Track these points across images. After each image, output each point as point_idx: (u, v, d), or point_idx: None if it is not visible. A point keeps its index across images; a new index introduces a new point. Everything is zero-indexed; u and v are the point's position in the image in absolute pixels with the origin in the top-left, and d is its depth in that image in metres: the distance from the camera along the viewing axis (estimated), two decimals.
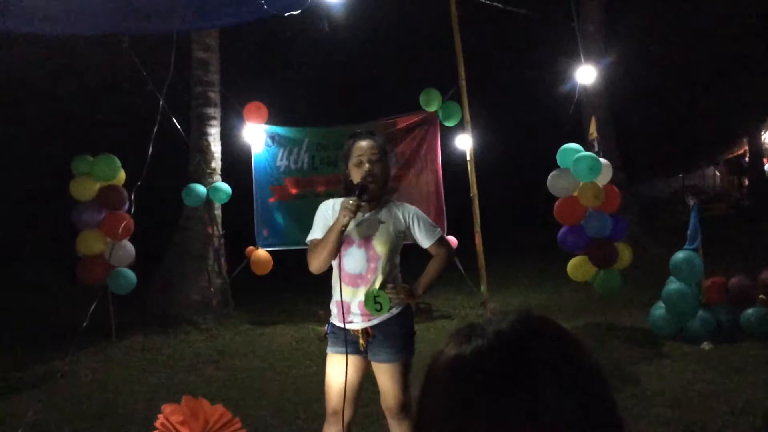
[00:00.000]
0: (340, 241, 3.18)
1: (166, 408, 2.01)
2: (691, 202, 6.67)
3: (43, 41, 8.40)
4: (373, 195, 3.26)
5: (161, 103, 5.50)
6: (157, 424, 2.00)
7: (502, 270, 10.53)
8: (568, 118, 8.47)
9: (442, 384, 0.87)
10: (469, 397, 0.83)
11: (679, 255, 6.39)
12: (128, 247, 7.38)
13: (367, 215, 3.29)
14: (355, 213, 3.11)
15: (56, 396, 5.75)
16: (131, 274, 7.37)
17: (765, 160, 24.85)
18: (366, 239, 3.25)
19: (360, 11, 9.09)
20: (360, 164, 3.25)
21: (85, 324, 5.48)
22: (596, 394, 0.86)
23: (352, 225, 3.21)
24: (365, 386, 3.42)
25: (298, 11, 4.77)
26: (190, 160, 9.00)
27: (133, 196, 6.17)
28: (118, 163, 7.28)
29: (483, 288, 8.23)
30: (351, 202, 3.11)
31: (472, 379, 0.85)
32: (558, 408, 0.81)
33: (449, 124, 8.34)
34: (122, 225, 7.10)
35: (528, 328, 0.89)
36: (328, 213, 3.32)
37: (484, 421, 0.81)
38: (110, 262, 7.20)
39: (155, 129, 5.37)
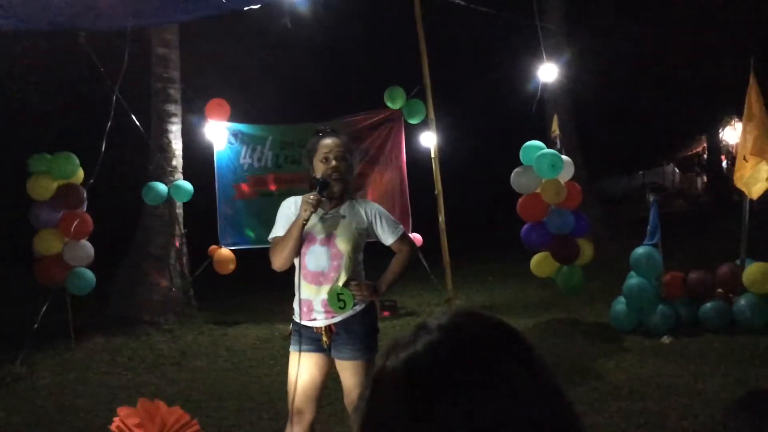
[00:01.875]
0: (301, 236, 3.17)
1: (122, 411, 1.96)
2: (651, 198, 6.79)
3: None
4: (336, 192, 3.25)
5: (114, 98, 5.38)
6: (113, 427, 1.95)
7: (468, 267, 10.58)
8: (531, 115, 8.54)
9: (396, 391, 0.84)
10: (430, 394, 0.81)
11: (639, 250, 6.49)
12: (87, 246, 7.22)
13: (329, 213, 3.28)
14: (315, 208, 3.11)
15: (12, 399, 5.60)
16: (90, 274, 7.22)
17: (722, 157, 25.43)
18: (329, 237, 3.23)
19: (323, 8, 9.04)
20: (326, 160, 3.25)
21: (36, 325, 5.35)
22: (547, 371, 0.88)
23: (314, 221, 3.21)
24: (329, 384, 3.40)
25: (258, 6, 4.72)
26: (150, 158, 8.85)
27: (85, 194, 6.04)
28: (77, 162, 7.12)
29: (448, 285, 8.26)
30: (312, 197, 3.10)
31: (432, 374, 0.83)
32: (519, 382, 0.83)
33: (414, 121, 8.34)
34: (80, 224, 6.95)
35: (468, 319, 0.90)
36: (290, 210, 3.29)
37: (453, 413, 0.79)
38: (68, 261, 7.05)
39: (108, 124, 5.26)
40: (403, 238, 3.41)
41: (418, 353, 0.85)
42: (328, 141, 3.28)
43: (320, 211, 3.25)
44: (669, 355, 5.76)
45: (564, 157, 6.89)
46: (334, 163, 3.24)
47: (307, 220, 3.14)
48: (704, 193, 24.37)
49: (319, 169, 3.26)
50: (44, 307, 6.64)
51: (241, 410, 5.08)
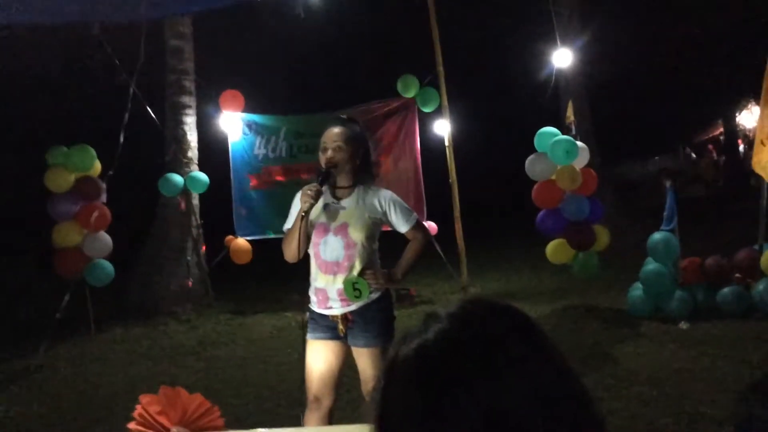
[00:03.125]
0: (305, 228, 3.19)
1: (144, 398, 2.00)
2: (667, 183, 6.74)
3: (11, 31, 8.24)
4: (339, 180, 3.27)
5: (131, 91, 5.41)
6: (135, 414, 1.98)
7: (482, 255, 10.57)
8: (545, 101, 8.50)
9: (409, 379, 0.86)
10: (443, 381, 0.82)
11: (656, 236, 6.46)
12: (105, 238, 7.29)
13: (339, 202, 3.29)
14: (315, 198, 3.13)
15: (34, 389, 5.69)
16: (109, 266, 7.30)
17: (739, 141, 25.13)
18: (342, 227, 3.25)
19: None
20: (324, 151, 3.27)
21: (58, 316, 5.42)
22: (559, 354, 0.89)
23: (319, 210, 3.23)
24: (347, 372, 3.42)
25: None
26: (166, 149, 8.90)
27: (105, 185, 6.09)
28: (94, 154, 7.19)
29: (463, 273, 8.28)
30: (311, 188, 3.13)
31: (443, 361, 0.84)
32: (531, 366, 0.84)
33: (427, 110, 8.33)
34: (98, 216, 7.02)
35: (477, 306, 0.92)
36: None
37: (467, 399, 0.81)
38: (87, 253, 7.13)
39: (125, 117, 5.30)
40: (417, 226, 3.42)
41: (429, 342, 0.86)
42: (330, 131, 3.30)
43: (327, 200, 3.27)
44: (686, 340, 5.74)
45: (579, 143, 6.86)
46: (329, 153, 3.25)
47: (307, 212, 3.16)
48: (721, 178, 24.10)
49: (321, 160, 3.28)
50: (65, 299, 6.72)
51: (259, 398, 5.14)
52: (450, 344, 0.85)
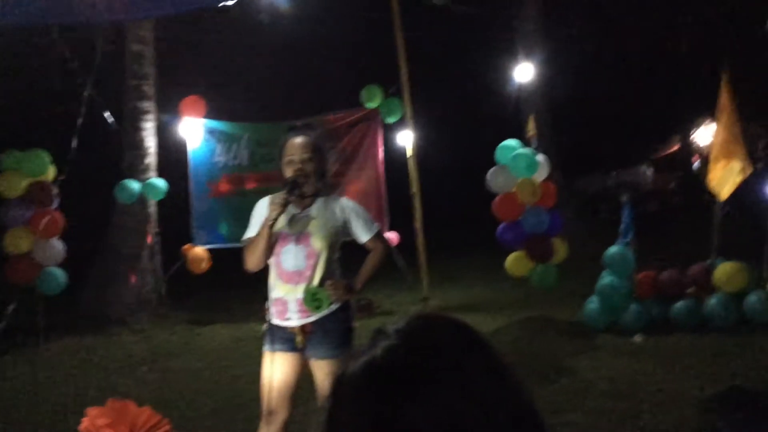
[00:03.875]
0: (270, 237, 3.16)
1: (92, 411, 1.93)
2: (624, 198, 6.86)
3: None
4: (306, 192, 3.24)
5: (87, 95, 5.30)
6: (81, 428, 1.91)
7: (443, 266, 10.59)
8: (507, 115, 8.59)
9: (358, 397, 0.84)
10: (392, 397, 0.81)
11: (612, 249, 6.56)
12: (58, 245, 7.12)
13: (304, 211, 3.26)
14: (283, 208, 3.11)
15: None
16: (61, 274, 7.12)
17: (694, 158, 25.75)
18: (303, 236, 3.22)
19: (300, 5, 8.99)
20: (290, 163, 3.24)
21: (4, 325, 5.26)
22: (507, 368, 0.90)
23: (284, 220, 3.20)
24: (303, 384, 3.38)
25: (233, 2, 4.67)
26: (123, 155, 8.73)
27: (57, 192, 5.94)
28: (48, 159, 7.02)
29: (424, 284, 8.27)
30: (279, 197, 3.10)
31: (391, 377, 0.83)
32: (479, 381, 0.84)
33: (391, 120, 8.34)
34: (50, 222, 6.85)
35: (425, 321, 0.91)
36: (264, 211, 3.27)
37: (416, 415, 0.79)
38: (38, 260, 6.94)
39: (79, 121, 5.18)
40: (378, 237, 3.41)
41: (377, 358, 0.85)
42: (293, 142, 3.27)
43: (292, 210, 3.24)
44: (641, 353, 5.82)
45: (539, 156, 6.94)
46: (299, 165, 3.22)
47: (274, 221, 3.13)
48: (677, 193, 24.67)
49: (287, 171, 3.25)
50: (12, 307, 6.53)
51: (214, 411, 5.04)
52: (398, 360, 0.84)
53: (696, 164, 25.27)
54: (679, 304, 6.52)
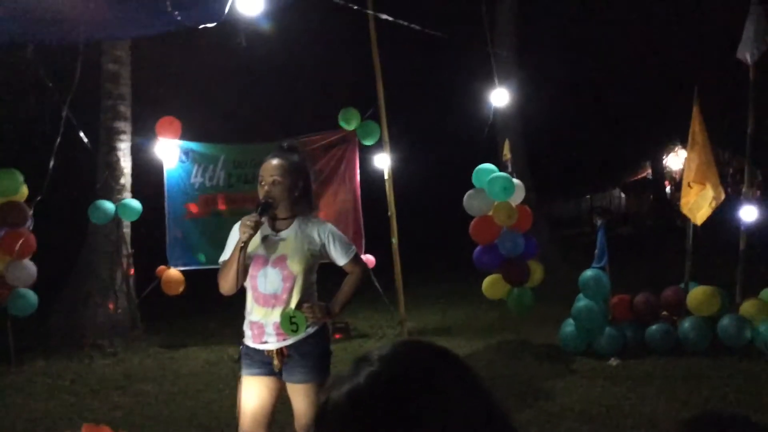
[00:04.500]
0: (243, 260, 3.13)
1: None
2: (599, 222, 6.94)
3: None
4: (280, 213, 3.23)
5: (64, 114, 5.25)
6: None
7: (420, 288, 10.61)
8: (483, 139, 8.67)
9: (343, 424, 0.84)
10: (376, 425, 0.81)
11: (587, 273, 6.61)
12: (29, 266, 6.99)
13: (279, 234, 3.25)
14: (254, 230, 3.09)
15: None
16: (32, 295, 6.99)
17: (666, 183, 26.20)
18: (280, 258, 3.20)
19: (278, 28, 9.03)
20: (261, 185, 3.23)
21: None
22: (488, 393, 0.91)
23: (257, 242, 3.19)
24: (279, 408, 3.34)
25: (213, 24, 4.68)
26: (98, 175, 8.64)
27: (30, 212, 5.86)
28: (20, 178, 6.91)
29: (401, 307, 8.26)
30: (249, 219, 3.09)
31: (375, 404, 0.83)
32: (461, 406, 0.85)
33: (368, 143, 8.37)
34: (22, 243, 6.73)
35: (408, 348, 0.93)
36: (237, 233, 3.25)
37: None
38: (9, 281, 6.81)
39: (57, 141, 5.12)
40: (356, 260, 3.40)
41: (361, 385, 0.85)
42: (266, 164, 3.27)
43: (265, 232, 3.23)
44: (616, 377, 5.86)
45: (515, 180, 7.00)
46: (266, 187, 3.22)
47: (245, 243, 3.12)
48: (649, 218, 25.04)
49: (260, 192, 3.25)
50: None
51: None
52: (382, 388, 0.84)
53: (668, 189, 25.71)
54: (654, 328, 6.58)
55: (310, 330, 3.23)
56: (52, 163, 5.18)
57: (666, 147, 24.26)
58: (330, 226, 3.39)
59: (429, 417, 0.81)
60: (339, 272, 3.45)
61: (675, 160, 24.87)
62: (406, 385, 0.84)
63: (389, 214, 8.08)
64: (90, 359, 7.49)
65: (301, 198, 3.31)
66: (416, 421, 0.81)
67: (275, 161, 3.26)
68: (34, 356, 7.41)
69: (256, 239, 3.19)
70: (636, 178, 29.54)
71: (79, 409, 5.78)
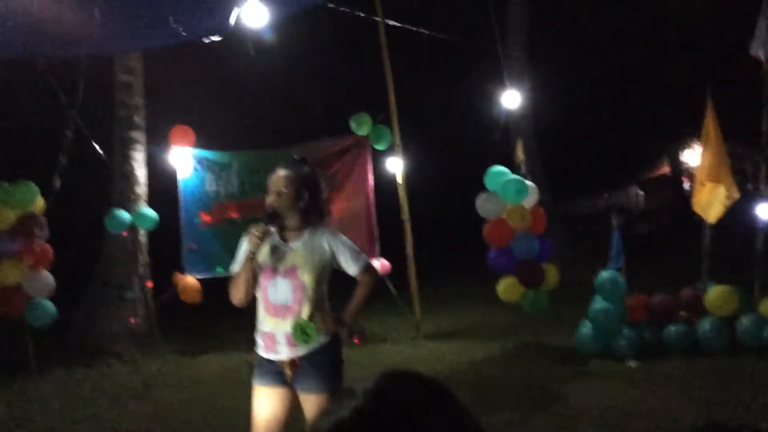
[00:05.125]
0: (251, 270, 3.15)
1: None
2: (615, 221, 6.88)
3: None
4: (288, 224, 3.24)
5: (74, 126, 5.30)
6: None
7: (435, 292, 10.58)
8: (495, 141, 8.63)
9: None
10: None
11: (604, 274, 6.57)
12: (47, 276, 7.06)
13: (288, 244, 3.26)
14: (261, 239, 3.11)
15: None
16: (50, 305, 7.05)
17: (684, 178, 25.93)
18: (291, 269, 3.21)
19: (288, 36, 9.06)
20: (270, 195, 3.26)
21: None
22: (476, 426, 0.90)
23: (266, 252, 3.20)
24: (297, 417, 3.35)
25: (219, 38, 4.70)
26: (113, 185, 8.72)
27: (46, 223, 5.91)
28: (36, 190, 6.99)
29: (416, 311, 8.26)
30: (256, 230, 3.10)
31: None
32: None
33: (380, 147, 8.37)
34: (40, 254, 6.80)
35: (393, 380, 0.91)
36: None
37: None
38: (28, 292, 6.88)
39: (64, 153, 5.18)
40: (367, 268, 3.40)
41: (344, 420, 0.85)
42: (275, 174, 3.30)
43: (274, 242, 3.24)
44: (634, 379, 5.81)
45: (528, 182, 6.97)
46: (272, 197, 3.24)
47: (253, 254, 3.13)
48: (667, 215, 24.79)
49: (268, 202, 3.27)
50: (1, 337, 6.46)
51: None
52: (364, 422, 0.84)
53: (687, 186, 25.44)
54: (672, 328, 6.52)
55: (322, 340, 3.23)
56: (60, 174, 5.22)
57: (684, 143, 24.02)
58: (340, 235, 3.40)
59: None
60: (351, 279, 3.45)
61: (692, 155, 24.62)
62: (390, 422, 0.84)
63: (403, 218, 8.08)
64: (108, 367, 7.55)
65: (310, 209, 3.32)
66: None
67: (282, 172, 3.28)
68: (54, 365, 7.48)
69: (266, 249, 3.21)
70: (654, 174, 29.28)
71: (99, 417, 5.84)
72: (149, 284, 8.74)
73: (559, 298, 7.53)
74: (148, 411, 5.96)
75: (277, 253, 3.24)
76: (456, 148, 16.68)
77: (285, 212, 3.24)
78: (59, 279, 7.23)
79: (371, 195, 8.50)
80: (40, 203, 7.06)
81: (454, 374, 6.33)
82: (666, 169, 27.04)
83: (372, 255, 8.08)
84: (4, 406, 6.20)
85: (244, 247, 3.24)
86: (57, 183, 5.36)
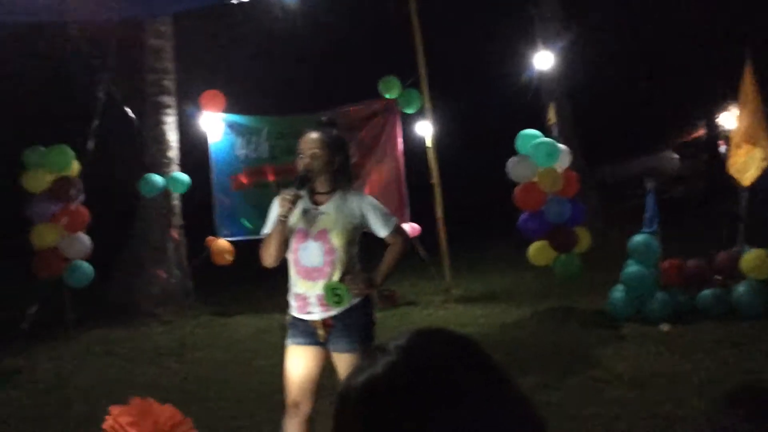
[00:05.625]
0: (283, 233, 3.17)
1: (115, 409, 1.96)
2: (649, 185, 6.77)
3: None
4: (318, 187, 3.25)
5: (107, 90, 5.34)
6: (106, 426, 1.95)
7: (465, 256, 10.57)
8: (527, 104, 8.52)
9: (359, 414, 0.85)
10: (392, 415, 0.81)
11: (637, 238, 6.49)
12: (84, 239, 7.22)
13: (319, 207, 3.27)
14: (293, 203, 3.13)
15: (11, 391, 5.61)
16: (88, 267, 7.23)
17: (721, 142, 25.35)
18: (322, 232, 3.23)
19: None
20: (301, 158, 3.25)
21: (33, 318, 5.32)
22: (509, 380, 0.89)
23: (298, 215, 3.21)
24: (327, 375, 3.40)
25: (237, 0, 4.67)
26: (146, 149, 8.82)
27: (81, 186, 6.02)
28: (71, 154, 7.11)
29: (446, 274, 8.27)
30: (289, 193, 3.11)
31: (391, 394, 0.83)
32: (481, 397, 0.84)
33: (409, 111, 8.31)
34: (77, 216, 6.95)
35: (426, 337, 0.92)
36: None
37: (417, 428, 0.79)
38: (65, 254, 7.05)
39: (97, 116, 5.23)
40: (397, 230, 3.41)
41: (378, 375, 0.86)
42: (305, 137, 3.29)
43: (305, 205, 3.25)
44: (667, 342, 5.76)
45: (560, 145, 6.88)
46: (306, 160, 3.24)
47: (285, 217, 3.15)
48: (703, 179, 24.32)
49: (299, 166, 3.27)
50: (40, 301, 6.64)
51: (240, 401, 5.10)
52: (398, 378, 0.84)
53: (723, 149, 24.86)
54: (706, 293, 6.44)
55: (354, 301, 3.26)
56: (93, 137, 5.29)
57: (721, 105, 23.42)
58: (369, 198, 3.40)
59: (445, 409, 0.81)
60: (382, 242, 3.46)
61: (729, 118, 24.02)
62: (423, 377, 0.84)
63: (433, 182, 8.05)
64: (146, 327, 7.73)
65: (340, 172, 3.32)
66: (431, 413, 0.81)
67: (314, 135, 3.28)
68: (92, 326, 7.68)
69: (297, 213, 3.22)
70: (690, 138, 28.68)
71: (137, 376, 6.00)
72: (183, 247, 8.88)
73: (591, 262, 7.47)
74: (185, 369, 6.11)
75: (307, 217, 3.25)
76: (486, 110, 16.49)
77: (318, 175, 3.24)
78: (95, 241, 7.38)
79: (401, 159, 8.46)
80: (75, 167, 7.18)
81: (484, 337, 6.34)
82: (701, 132, 26.44)
83: (402, 219, 8.08)
84: (46, 365, 6.39)
85: (275, 210, 3.26)
86: (91, 146, 5.42)
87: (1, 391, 5.66)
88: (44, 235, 7.00)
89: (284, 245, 3.23)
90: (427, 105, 8.06)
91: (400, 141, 8.46)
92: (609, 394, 4.63)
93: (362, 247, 3.41)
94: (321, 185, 3.28)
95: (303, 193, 3.21)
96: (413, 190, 8.53)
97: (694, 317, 6.36)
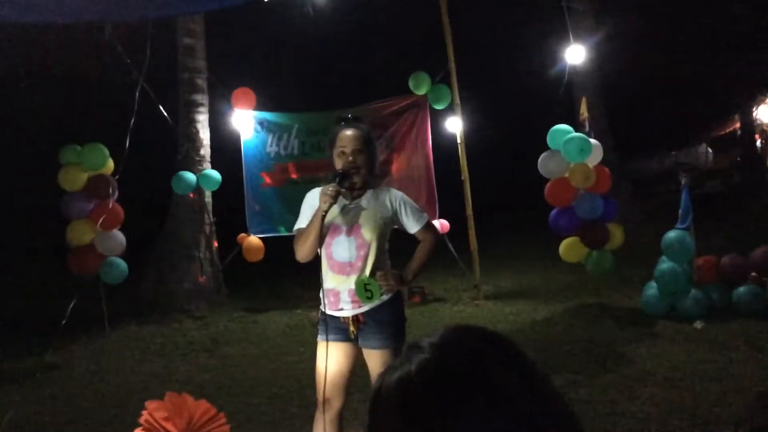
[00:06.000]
0: (321, 228, 3.18)
1: (150, 404, 1.99)
2: (683, 180, 6.66)
3: (24, 32, 8.29)
4: (357, 183, 3.26)
5: (140, 89, 5.42)
6: (141, 420, 1.98)
7: (495, 252, 10.53)
8: (558, 98, 8.44)
9: (394, 411, 0.85)
10: (426, 412, 0.82)
11: (671, 234, 6.39)
12: (118, 236, 7.34)
13: (353, 203, 3.28)
14: (334, 199, 3.13)
15: (47, 388, 5.73)
16: (123, 264, 7.34)
17: (757, 136, 24.84)
18: (354, 227, 3.24)
19: None
20: (342, 154, 3.25)
21: (69, 313, 5.42)
22: (542, 377, 0.89)
23: (335, 211, 3.23)
24: (358, 371, 3.41)
25: None
26: (178, 147, 8.94)
27: (117, 184, 6.11)
28: (107, 152, 7.23)
29: (476, 271, 8.24)
30: (330, 188, 3.12)
31: (425, 392, 0.83)
32: (513, 394, 0.84)
33: (439, 107, 8.29)
34: (111, 214, 7.06)
35: (459, 334, 0.92)
36: (314, 202, 3.30)
37: (449, 428, 0.80)
38: (101, 251, 7.17)
39: (134, 113, 5.31)
40: (428, 227, 3.40)
41: (411, 373, 0.86)
42: (345, 133, 3.28)
43: (342, 201, 3.26)
44: (701, 340, 5.67)
45: (592, 140, 6.80)
46: (350, 157, 3.24)
47: (326, 212, 3.15)
48: (738, 174, 23.86)
49: (338, 162, 3.27)
50: (76, 297, 6.76)
51: (271, 397, 5.14)
52: (432, 375, 0.85)
53: (759, 143, 24.37)
54: (742, 290, 6.33)
55: (385, 297, 3.26)
56: (129, 136, 5.37)
57: (756, 98, 22.93)
58: (401, 194, 3.40)
59: (478, 407, 0.81)
60: (412, 239, 3.46)
61: (766, 112, 23.50)
62: (457, 374, 0.84)
63: (462, 178, 8.02)
64: (179, 323, 7.84)
65: (374, 169, 3.34)
66: (464, 411, 0.81)
67: (354, 131, 3.27)
68: (126, 321, 7.81)
69: (333, 208, 3.24)
70: (724, 132, 28.15)
71: (169, 371, 6.08)
72: (215, 244, 8.99)
73: (624, 259, 7.39)
74: (217, 365, 6.18)
75: (342, 212, 3.27)
76: (517, 106, 16.36)
77: (359, 172, 3.24)
78: (129, 239, 7.50)
79: (430, 155, 8.45)
80: (110, 165, 7.30)
81: (514, 334, 6.31)
82: (737, 126, 25.93)
83: (432, 216, 8.07)
84: (81, 361, 6.51)
85: (314, 205, 3.26)
86: (126, 144, 5.51)
87: (37, 386, 5.79)
88: (80, 233, 7.12)
89: (320, 240, 3.24)
90: (457, 101, 8.03)
91: (429, 137, 8.44)
92: (643, 392, 4.57)
93: (392, 245, 3.42)
94: (357, 181, 3.29)
95: (344, 189, 3.21)
96: (443, 187, 8.51)
97: (729, 314, 6.25)
